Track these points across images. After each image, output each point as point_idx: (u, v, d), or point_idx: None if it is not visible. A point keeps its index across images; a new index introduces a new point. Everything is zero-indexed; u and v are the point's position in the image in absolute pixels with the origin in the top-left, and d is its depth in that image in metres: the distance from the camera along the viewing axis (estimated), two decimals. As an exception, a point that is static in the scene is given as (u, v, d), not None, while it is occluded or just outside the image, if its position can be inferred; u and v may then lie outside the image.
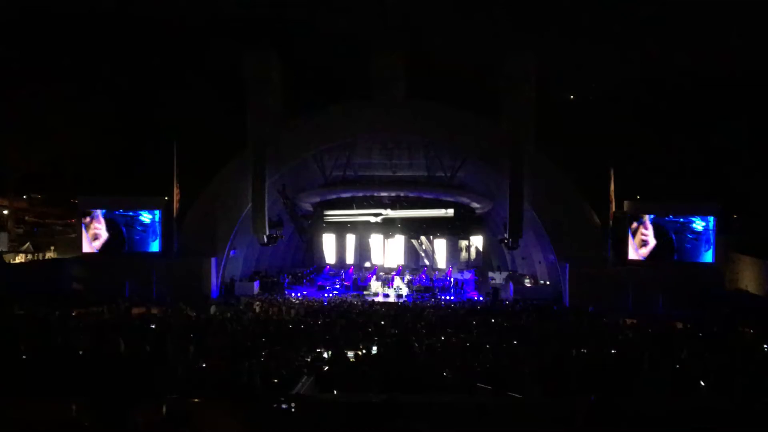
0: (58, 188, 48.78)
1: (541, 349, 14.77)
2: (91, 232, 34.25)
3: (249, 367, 10.23)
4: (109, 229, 34.27)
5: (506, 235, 32.84)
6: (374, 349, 14.58)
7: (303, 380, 8.24)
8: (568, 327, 22.05)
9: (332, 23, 52.93)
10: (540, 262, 36.62)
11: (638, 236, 32.30)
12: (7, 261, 37.47)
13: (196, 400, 6.86)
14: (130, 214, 34.26)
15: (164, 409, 5.61)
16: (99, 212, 34.22)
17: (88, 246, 34.30)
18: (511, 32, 48.48)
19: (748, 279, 32.30)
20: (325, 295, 36.01)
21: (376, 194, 39.04)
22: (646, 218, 32.28)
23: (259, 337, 18.75)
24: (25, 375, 9.41)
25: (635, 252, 32.37)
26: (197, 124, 43.09)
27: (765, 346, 15.81)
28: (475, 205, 38.56)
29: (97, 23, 49.59)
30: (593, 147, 38.87)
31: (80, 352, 11.19)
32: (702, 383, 10.64)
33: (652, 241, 32.21)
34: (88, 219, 34.26)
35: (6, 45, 45.18)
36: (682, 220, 32.14)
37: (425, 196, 38.33)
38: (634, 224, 32.35)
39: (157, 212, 34.11)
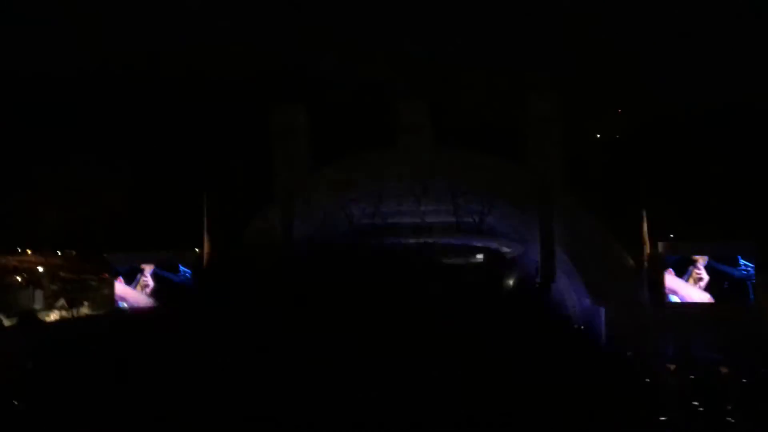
0: (92, 243, 49.35)
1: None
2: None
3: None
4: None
5: (539, 279, 32.37)
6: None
7: None
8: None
9: (358, 72, 53.64)
10: (574, 307, 35.85)
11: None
12: (41, 319, 37.84)
13: None
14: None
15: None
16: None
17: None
18: (536, 72, 48.53)
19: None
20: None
21: (404, 241, 38.78)
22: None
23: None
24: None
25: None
26: (227, 175, 43.62)
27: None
28: (505, 249, 38.13)
29: (125, 81, 51.08)
30: (623, 187, 38.41)
31: None
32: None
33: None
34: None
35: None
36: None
37: (454, 243, 38.03)
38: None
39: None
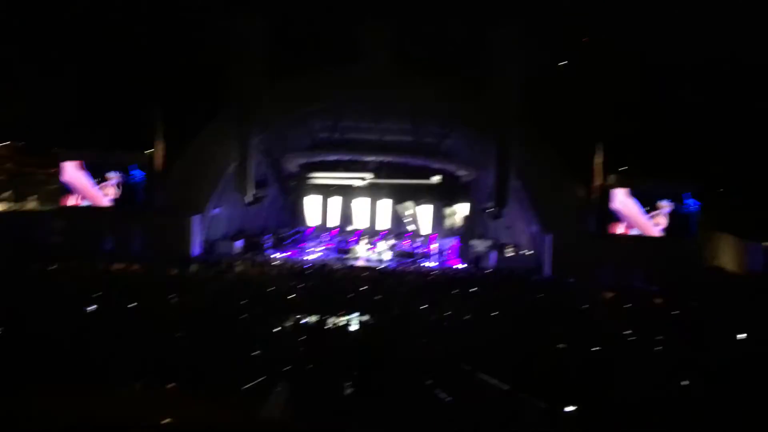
0: (41, 137, 47.87)
1: (520, 327, 14.85)
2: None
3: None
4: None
5: (491, 204, 32.83)
6: (354, 319, 14.61)
7: (278, 387, 7.91)
8: (548, 301, 22.19)
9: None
10: (523, 232, 36.77)
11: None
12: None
13: (169, 385, 6.75)
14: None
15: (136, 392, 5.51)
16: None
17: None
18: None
19: (726, 257, 32.70)
20: (307, 257, 35.98)
21: (362, 158, 38.81)
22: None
23: (240, 299, 18.79)
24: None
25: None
26: (183, 79, 42.30)
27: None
28: (461, 172, 38.48)
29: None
30: (583, 119, 38.69)
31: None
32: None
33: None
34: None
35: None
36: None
37: (412, 162, 38.19)
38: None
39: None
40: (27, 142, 52.12)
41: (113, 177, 33.55)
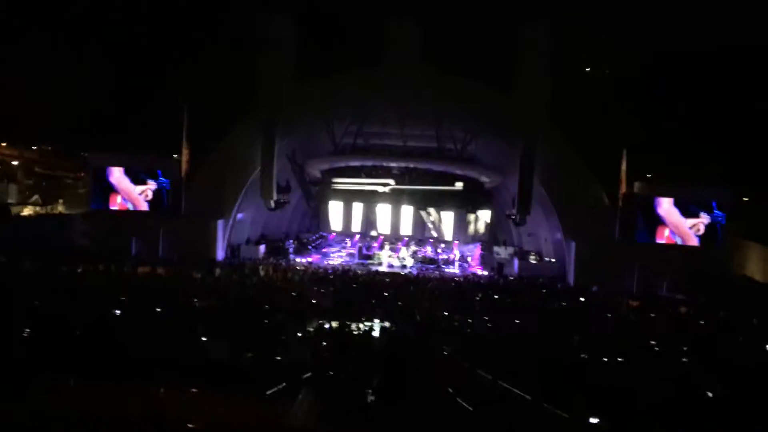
0: (69, 141, 48.65)
1: (543, 335, 14.75)
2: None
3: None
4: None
5: (514, 211, 32.64)
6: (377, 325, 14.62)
7: (301, 394, 7.95)
8: (571, 309, 22.02)
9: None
10: (546, 240, 36.51)
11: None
12: (14, 213, 37.63)
13: (194, 390, 6.83)
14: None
15: (161, 394, 5.59)
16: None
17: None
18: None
19: (754, 266, 32.17)
20: (330, 262, 36.09)
21: (385, 164, 38.86)
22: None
23: (263, 304, 18.90)
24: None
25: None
26: (209, 84, 42.72)
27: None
28: (484, 179, 38.36)
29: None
30: (608, 125, 38.35)
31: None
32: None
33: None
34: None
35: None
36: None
37: (435, 168, 38.13)
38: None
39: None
40: (55, 146, 53.08)
41: (151, 182, 34.09)
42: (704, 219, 31.81)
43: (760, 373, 11.68)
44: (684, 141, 42.73)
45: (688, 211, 31.92)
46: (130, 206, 34.08)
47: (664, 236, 32.11)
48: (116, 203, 34.12)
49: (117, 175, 34.15)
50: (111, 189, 34.08)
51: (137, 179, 34.07)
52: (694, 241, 31.87)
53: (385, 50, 33.56)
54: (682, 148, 42.07)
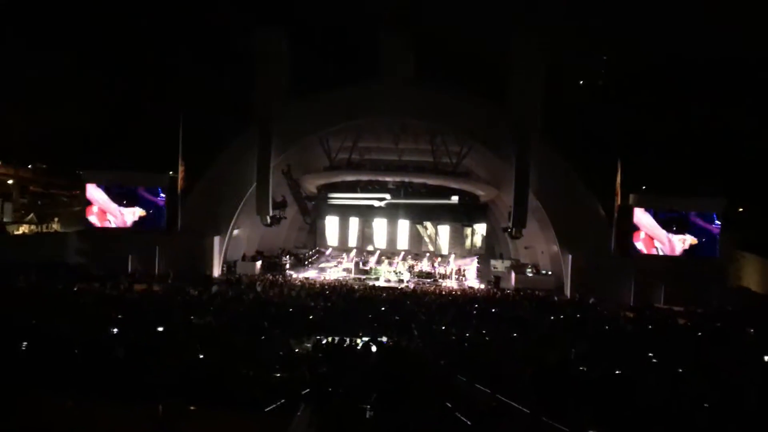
0: (63, 159, 48.62)
1: (541, 348, 14.73)
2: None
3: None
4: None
5: (510, 224, 32.67)
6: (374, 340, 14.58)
7: (300, 411, 7.94)
8: (568, 322, 22.00)
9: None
10: (543, 252, 36.57)
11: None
12: (10, 232, 37.50)
13: (192, 407, 6.81)
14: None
15: (160, 412, 5.58)
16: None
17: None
18: (523, 13, 47.46)
19: (751, 277, 32.22)
20: (327, 277, 36.01)
21: (381, 179, 38.97)
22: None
23: (260, 319, 18.86)
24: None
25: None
26: (205, 100, 42.87)
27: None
28: (480, 192, 38.46)
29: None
30: (602, 137, 38.57)
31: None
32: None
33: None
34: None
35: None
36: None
37: (430, 182, 38.25)
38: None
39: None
40: (50, 164, 53.07)
41: (138, 198, 34.11)
42: (690, 231, 32.01)
43: (758, 384, 11.67)
44: (679, 151, 42.98)
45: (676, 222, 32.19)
46: (127, 221, 34.15)
47: (640, 238, 32.29)
48: (108, 221, 34.17)
49: (94, 193, 34.32)
50: (102, 207, 34.19)
51: (128, 201, 34.23)
52: (677, 252, 31.98)
53: (379, 65, 33.80)
54: (676, 159, 42.29)
